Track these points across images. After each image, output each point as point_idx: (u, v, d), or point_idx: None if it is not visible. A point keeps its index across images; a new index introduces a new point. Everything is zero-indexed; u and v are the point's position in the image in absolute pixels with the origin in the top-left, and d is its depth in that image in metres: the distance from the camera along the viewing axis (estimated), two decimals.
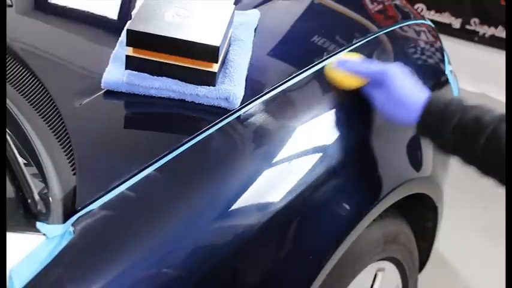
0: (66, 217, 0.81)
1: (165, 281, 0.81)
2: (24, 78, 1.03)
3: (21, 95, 0.99)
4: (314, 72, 1.11)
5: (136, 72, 1.00)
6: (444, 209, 1.49)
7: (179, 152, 0.91)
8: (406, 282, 1.42)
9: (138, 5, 1.13)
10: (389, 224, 1.26)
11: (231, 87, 1.01)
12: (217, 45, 0.98)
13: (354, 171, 1.07)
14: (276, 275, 0.94)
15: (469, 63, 2.41)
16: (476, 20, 2.69)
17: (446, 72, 1.39)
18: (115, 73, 1.01)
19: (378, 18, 1.41)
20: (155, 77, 1.00)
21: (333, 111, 1.09)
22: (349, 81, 1.06)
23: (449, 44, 1.60)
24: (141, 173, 0.87)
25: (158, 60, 1.00)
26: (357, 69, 1.06)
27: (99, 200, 0.83)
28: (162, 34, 0.98)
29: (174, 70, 1.00)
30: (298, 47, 1.22)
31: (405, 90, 1.00)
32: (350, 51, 1.19)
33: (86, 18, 1.23)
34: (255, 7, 1.27)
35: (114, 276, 0.78)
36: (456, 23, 2.74)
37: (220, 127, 0.96)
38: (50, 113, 0.96)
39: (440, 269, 1.95)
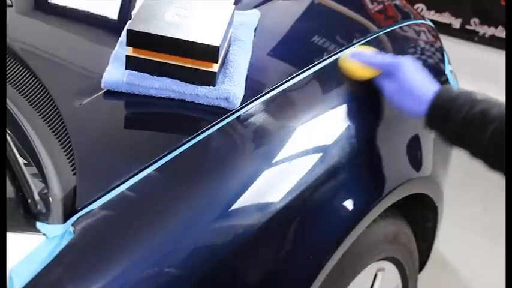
0: (66, 217, 0.81)
1: (165, 281, 0.81)
2: (24, 78, 1.03)
3: (21, 95, 0.99)
4: (314, 72, 1.11)
5: (136, 72, 1.00)
6: (444, 209, 1.49)
7: (179, 152, 0.91)
8: (406, 282, 1.42)
9: (138, 5, 1.13)
10: (389, 224, 1.26)
11: (231, 87, 1.01)
12: (217, 45, 0.98)
13: (354, 171, 1.07)
14: (276, 275, 0.94)
15: (469, 63, 2.41)
16: (476, 20, 2.69)
17: (446, 72, 1.39)
18: (115, 73, 1.01)
19: (378, 18, 1.41)
20: (155, 77, 1.00)
21: (333, 111, 1.09)
22: (362, 72, 1.09)
23: (449, 44, 1.60)
24: (141, 173, 0.87)
25: (158, 60, 1.00)
26: (370, 60, 1.09)
27: (99, 200, 0.83)
28: (162, 34, 0.98)
29: (174, 70, 1.00)
30: (298, 47, 1.22)
31: (415, 81, 1.03)
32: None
33: (86, 18, 1.23)
34: (255, 7, 1.27)
35: (114, 276, 0.78)
36: (456, 23, 2.74)
37: (220, 127, 0.96)
38: (50, 113, 0.96)
39: (440, 269, 1.95)
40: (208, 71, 1.00)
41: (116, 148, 0.95)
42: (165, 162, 0.89)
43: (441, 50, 1.44)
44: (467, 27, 2.72)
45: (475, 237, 2.09)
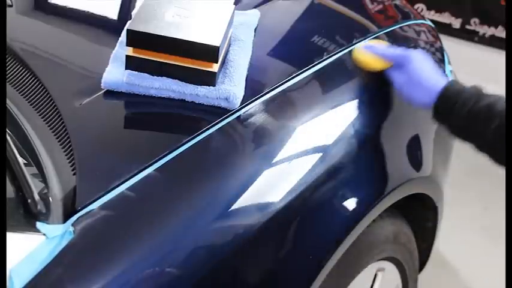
0: (66, 217, 0.81)
1: (165, 281, 0.81)
2: (24, 78, 1.03)
3: (21, 95, 0.99)
4: (314, 72, 1.11)
5: (136, 72, 1.00)
6: (444, 209, 1.49)
7: (179, 152, 0.91)
8: (406, 282, 1.42)
9: (138, 5, 1.13)
10: (389, 224, 1.26)
11: (231, 87, 1.01)
12: (217, 45, 0.98)
13: (354, 171, 1.07)
14: (276, 275, 0.94)
15: (469, 63, 2.41)
16: (476, 20, 2.69)
17: (446, 72, 1.40)
18: (115, 73, 1.01)
19: (378, 18, 1.41)
20: (155, 77, 1.00)
21: (333, 111, 1.09)
22: (375, 63, 1.13)
23: (449, 44, 1.60)
24: (141, 173, 0.87)
25: (158, 60, 1.00)
26: (382, 52, 1.13)
27: (99, 200, 0.83)
28: (162, 34, 0.98)
29: (174, 70, 1.00)
30: (298, 47, 1.22)
31: (425, 73, 1.05)
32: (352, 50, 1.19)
33: (86, 18, 1.23)
34: (255, 7, 1.27)
35: (114, 276, 0.78)
36: (456, 23, 2.74)
37: (220, 127, 0.96)
38: (50, 113, 0.96)
39: (440, 269, 1.95)
40: (208, 71, 1.00)
41: (116, 148, 0.95)
42: (165, 162, 0.89)
43: (441, 50, 1.44)
44: (467, 27, 2.72)
45: (475, 237, 2.09)
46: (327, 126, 1.06)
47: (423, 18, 1.52)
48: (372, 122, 1.13)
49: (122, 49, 1.05)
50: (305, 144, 1.02)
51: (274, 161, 0.97)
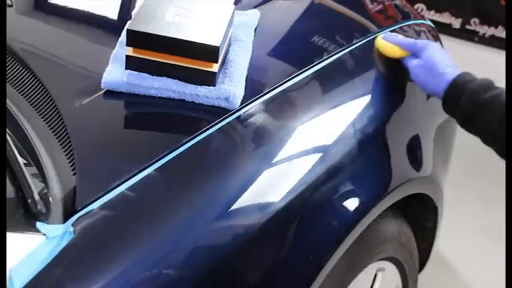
0: (66, 217, 0.81)
1: (165, 281, 0.81)
2: (24, 78, 1.03)
3: (21, 95, 0.99)
4: (314, 72, 1.11)
5: (136, 72, 1.00)
6: (444, 209, 1.49)
7: (179, 152, 0.91)
8: (406, 282, 1.42)
9: (138, 5, 1.13)
10: (389, 224, 1.26)
11: (231, 87, 1.01)
12: (217, 45, 0.98)
13: (354, 171, 1.07)
14: (276, 275, 0.94)
15: (469, 63, 2.40)
16: (476, 20, 2.69)
17: None
18: (115, 73, 1.01)
19: (378, 18, 1.41)
20: (155, 77, 1.00)
21: (333, 111, 1.09)
22: (394, 51, 1.18)
23: (449, 44, 1.60)
24: (141, 173, 0.87)
25: (158, 60, 1.00)
26: (401, 41, 1.18)
27: (99, 200, 0.83)
28: (162, 34, 0.98)
29: (174, 70, 1.00)
30: (298, 47, 1.22)
31: (439, 62, 1.09)
32: (352, 50, 1.19)
33: (86, 18, 1.23)
34: (255, 7, 1.27)
35: (114, 276, 0.78)
36: (456, 23, 2.74)
37: (220, 127, 0.96)
38: (50, 113, 0.96)
39: (440, 269, 1.95)
40: (208, 71, 1.00)
41: (116, 148, 0.95)
42: (165, 162, 0.89)
43: None
44: (467, 27, 2.72)
45: (475, 237, 2.09)
46: (327, 126, 1.06)
47: (423, 18, 1.52)
48: (372, 122, 1.13)
49: (122, 49, 1.05)
50: (305, 144, 1.02)
51: (274, 161, 0.97)
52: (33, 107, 0.97)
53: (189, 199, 0.87)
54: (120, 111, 1.01)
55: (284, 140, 1.00)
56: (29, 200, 0.80)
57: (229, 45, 1.10)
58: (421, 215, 1.47)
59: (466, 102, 1.02)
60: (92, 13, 1.24)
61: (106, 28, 1.24)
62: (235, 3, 1.16)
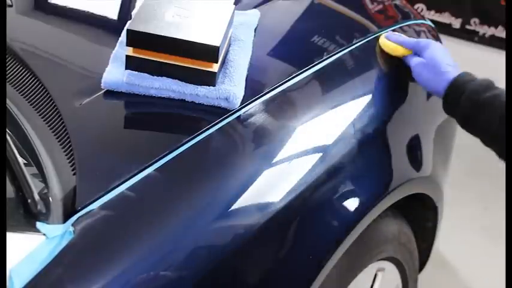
0: (66, 217, 0.81)
1: (165, 281, 0.81)
2: (24, 78, 1.03)
3: (21, 95, 0.99)
4: (314, 72, 1.11)
5: (136, 72, 1.00)
6: (444, 209, 1.49)
7: (179, 152, 0.91)
8: (406, 282, 1.42)
9: (138, 5, 1.13)
10: (389, 224, 1.26)
11: (231, 87, 1.01)
12: (217, 45, 0.98)
13: (354, 171, 1.07)
14: (276, 275, 0.94)
15: (469, 63, 2.40)
16: (476, 20, 2.69)
17: None
18: (115, 73, 1.01)
19: (378, 18, 1.41)
20: (155, 77, 1.00)
21: (333, 111, 1.09)
22: (397, 49, 1.19)
23: (449, 44, 1.60)
24: (141, 173, 0.87)
25: (158, 60, 1.00)
26: (403, 40, 1.20)
27: (99, 200, 0.83)
28: (162, 34, 0.98)
29: (174, 70, 1.00)
30: (298, 47, 1.22)
31: (441, 61, 1.10)
32: (352, 50, 1.19)
33: (86, 18, 1.23)
34: (255, 7, 1.27)
35: (114, 276, 0.78)
36: (456, 23, 2.74)
37: (220, 127, 0.96)
38: (50, 113, 0.96)
39: (440, 269, 1.95)
40: (208, 71, 1.00)
41: (116, 148, 0.95)
42: (165, 162, 0.89)
43: None
44: (467, 27, 2.72)
45: (475, 237, 2.09)
46: (327, 126, 1.06)
47: (423, 18, 1.52)
48: (372, 122, 1.13)
49: (122, 49, 1.05)
50: (305, 144, 1.02)
51: (274, 161, 0.97)
52: (33, 107, 0.97)
53: (189, 199, 0.87)
54: (120, 111, 1.01)
55: (284, 140, 1.00)
56: (29, 200, 0.80)
57: (229, 45, 1.10)
58: (421, 215, 1.47)
59: (466, 102, 1.02)
60: (92, 13, 1.24)
61: (106, 28, 1.24)
62: (235, 3, 1.16)
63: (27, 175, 0.81)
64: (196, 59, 1.00)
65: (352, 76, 1.18)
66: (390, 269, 1.35)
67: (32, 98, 0.99)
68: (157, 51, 1.00)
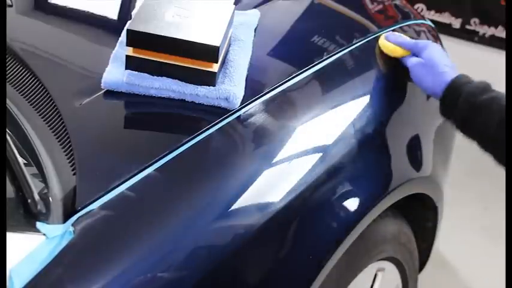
0: (66, 217, 0.81)
1: (165, 282, 0.81)
2: (24, 78, 1.03)
3: (21, 95, 0.99)
4: (314, 72, 1.11)
5: (136, 72, 1.00)
6: (444, 209, 1.49)
7: (179, 152, 0.91)
8: (406, 282, 1.42)
9: (138, 5, 1.13)
10: (389, 224, 1.26)
11: (231, 87, 1.01)
12: (217, 45, 0.98)
13: (354, 171, 1.07)
14: (276, 275, 0.94)
15: (469, 63, 2.41)
16: (476, 20, 2.69)
17: None
18: (115, 73, 1.01)
19: (378, 18, 1.41)
20: (155, 77, 1.00)
21: (333, 111, 1.09)
22: (396, 50, 1.19)
23: (449, 44, 1.60)
24: (141, 173, 0.87)
25: (158, 60, 1.00)
26: (402, 41, 1.19)
27: (99, 200, 0.83)
28: (162, 34, 0.98)
29: (174, 70, 1.00)
30: (298, 47, 1.22)
31: (438, 62, 1.10)
32: (352, 50, 1.19)
33: (86, 18, 1.23)
34: (255, 7, 1.27)
35: (114, 276, 0.78)
36: (456, 23, 2.74)
37: (220, 127, 0.96)
38: (50, 113, 0.96)
39: (440, 269, 1.95)
40: (208, 71, 1.00)
41: (116, 148, 0.95)
42: (165, 162, 0.89)
43: None
44: (467, 27, 2.72)
45: (475, 237, 2.09)
46: (327, 126, 1.06)
47: (423, 18, 1.52)
48: (372, 122, 1.13)
49: (122, 49, 1.05)
50: (305, 144, 1.02)
51: (274, 161, 0.97)
52: (33, 107, 0.97)
53: (189, 199, 0.87)
54: (120, 111, 1.01)
55: (284, 140, 1.00)
56: (29, 200, 0.80)
57: (229, 45, 1.10)
58: (421, 215, 1.47)
59: (463, 104, 1.02)
60: (92, 13, 1.24)
61: (106, 28, 1.24)
62: (235, 3, 1.16)
63: (27, 175, 0.81)
64: (196, 59, 1.00)
65: (352, 76, 1.18)
66: (390, 269, 1.35)
67: (32, 98, 0.99)
68: (157, 51, 1.00)
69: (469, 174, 2.25)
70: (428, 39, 1.42)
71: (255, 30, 1.18)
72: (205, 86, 1.00)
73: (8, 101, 0.95)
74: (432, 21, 1.61)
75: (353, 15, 1.39)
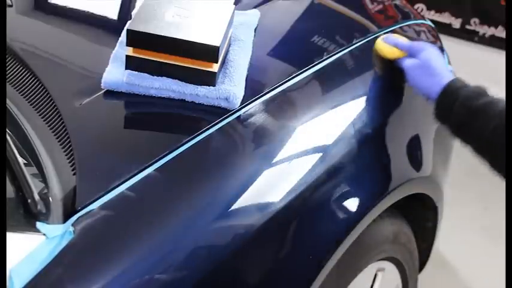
0: (66, 217, 0.81)
1: (165, 282, 0.81)
2: (24, 78, 1.03)
3: (21, 95, 0.99)
4: (314, 72, 1.11)
5: (136, 72, 1.00)
6: (444, 209, 1.48)
7: (179, 152, 0.91)
8: (406, 282, 1.42)
9: (138, 5, 1.13)
10: (389, 224, 1.26)
11: (231, 87, 1.01)
12: (217, 45, 0.98)
13: (354, 171, 1.07)
14: (276, 275, 0.94)
15: (469, 63, 2.41)
16: (476, 20, 2.69)
17: None
18: (115, 73, 1.01)
19: (378, 18, 1.41)
20: (155, 77, 1.00)
21: (333, 111, 1.09)
22: (393, 52, 1.17)
23: (449, 44, 1.60)
24: (141, 173, 0.87)
25: (158, 60, 1.00)
26: (398, 43, 1.17)
27: (99, 200, 0.83)
28: (162, 34, 0.98)
29: (174, 70, 1.00)
30: (298, 47, 1.22)
31: (434, 65, 1.08)
32: (352, 50, 1.19)
33: (86, 18, 1.23)
34: (255, 7, 1.27)
35: (114, 276, 0.78)
36: (456, 23, 2.74)
37: (220, 127, 0.96)
38: (50, 113, 0.96)
39: (440, 269, 1.95)
40: (208, 71, 1.00)
41: (116, 148, 0.95)
42: (165, 162, 0.89)
43: (441, 50, 1.44)
44: (467, 27, 2.72)
45: (475, 237, 2.09)
46: (327, 126, 1.06)
47: (423, 18, 1.52)
48: (372, 122, 1.13)
49: (122, 49, 1.05)
50: (305, 144, 1.02)
51: (274, 161, 0.97)
52: (33, 107, 0.97)
53: (189, 199, 0.87)
54: (120, 111, 1.01)
55: (284, 140, 1.00)
56: (29, 200, 0.80)
57: (229, 45, 1.10)
58: (421, 215, 1.47)
59: (460, 109, 1.00)
60: (92, 13, 1.24)
61: (106, 28, 1.24)
62: (235, 3, 1.17)
63: (27, 175, 0.81)
64: (196, 59, 1.00)
65: (352, 76, 1.18)
66: (390, 269, 1.35)
67: (32, 98, 0.99)
68: (157, 51, 1.00)
69: (469, 174, 2.24)
70: (428, 39, 1.42)
71: (255, 30, 1.18)
72: (205, 86, 1.00)
73: (8, 101, 0.95)
74: (432, 21, 1.61)
75: (353, 15, 1.39)
